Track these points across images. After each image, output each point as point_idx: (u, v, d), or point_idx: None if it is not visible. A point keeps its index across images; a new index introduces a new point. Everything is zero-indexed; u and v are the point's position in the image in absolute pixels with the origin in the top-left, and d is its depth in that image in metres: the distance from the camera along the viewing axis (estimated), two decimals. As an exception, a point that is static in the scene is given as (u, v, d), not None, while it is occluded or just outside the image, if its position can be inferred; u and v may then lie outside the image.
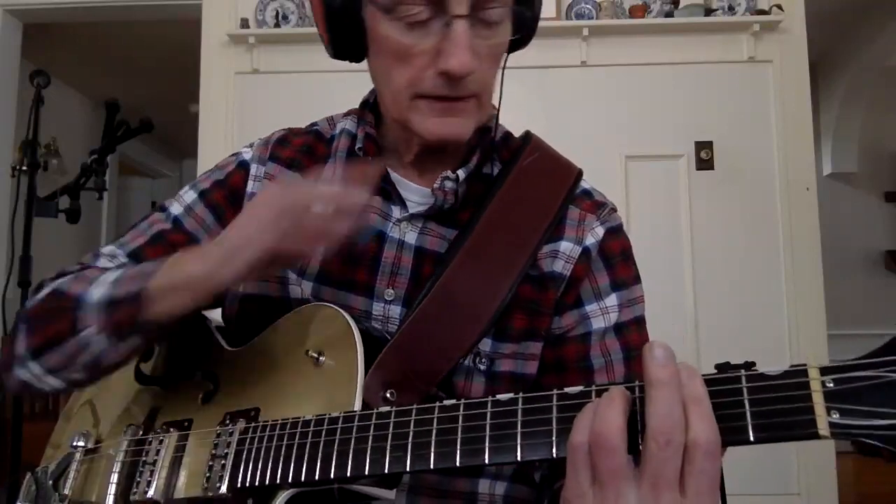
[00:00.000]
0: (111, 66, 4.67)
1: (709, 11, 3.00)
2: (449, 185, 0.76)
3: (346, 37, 0.74)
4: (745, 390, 0.46)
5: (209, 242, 0.68)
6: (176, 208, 0.84)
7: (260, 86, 3.09)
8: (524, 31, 0.75)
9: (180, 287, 0.66)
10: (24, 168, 2.54)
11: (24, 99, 3.05)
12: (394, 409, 0.59)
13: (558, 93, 3.02)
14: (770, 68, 2.99)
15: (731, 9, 3.02)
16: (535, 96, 3.01)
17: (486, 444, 0.53)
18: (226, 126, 3.06)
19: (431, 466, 0.55)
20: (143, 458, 0.75)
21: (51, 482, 0.81)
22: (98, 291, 0.69)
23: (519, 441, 0.52)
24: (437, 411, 0.57)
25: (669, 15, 3.00)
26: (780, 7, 2.95)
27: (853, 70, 4.56)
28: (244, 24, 3.07)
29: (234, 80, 3.09)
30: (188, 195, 0.85)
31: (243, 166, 0.84)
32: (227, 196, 0.83)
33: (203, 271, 0.65)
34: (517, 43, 0.77)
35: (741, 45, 2.99)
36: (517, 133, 0.87)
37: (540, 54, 3.01)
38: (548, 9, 3.01)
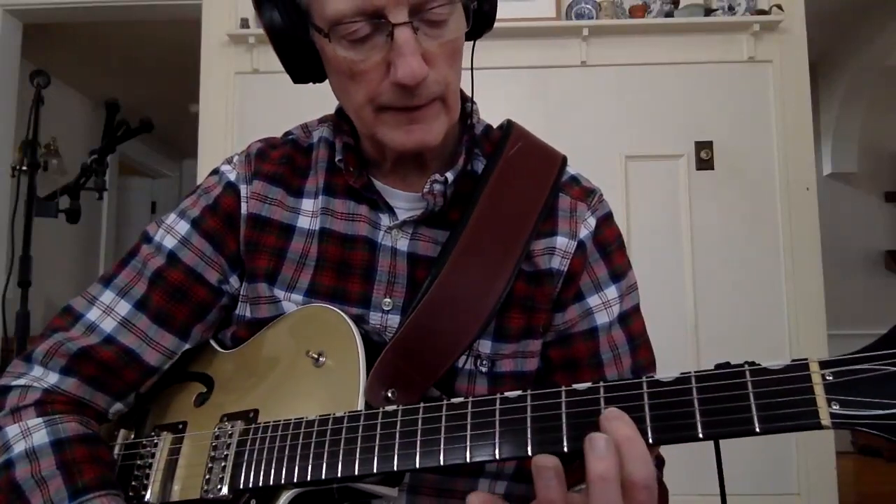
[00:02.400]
0: (111, 66, 4.67)
1: (709, 11, 3.00)
2: (438, 188, 0.76)
3: (300, 62, 0.74)
4: (749, 384, 0.48)
5: None
6: (168, 241, 0.79)
7: (260, 86, 3.08)
8: (480, 19, 0.74)
9: None
10: (24, 168, 2.54)
11: (24, 99, 3.04)
12: (400, 407, 0.59)
13: (558, 93, 3.02)
14: (770, 68, 2.99)
15: (731, 9, 3.01)
16: (535, 96, 3.01)
17: (497, 439, 0.54)
18: (226, 126, 3.06)
19: (441, 463, 0.55)
20: (137, 462, 0.75)
21: None
22: None
23: (529, 437, 0.53)
24: (445, 409, 0.57)
25: (669, 15, 3.00)
26: (780, 7, 2.95)
27: (853, 70, 4.55)
28: (244, 24, 3.07)
29: (234, 80, 3.09)
30: (180, 225, 0.80)
31: (232, 188, 0.81)
32: (222, 222, 0.79)
33: None
34: (478, 31, 0.76)
35: (741, 45, 2.99)
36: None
37: (540, 54, 3.01)
38: (548, 9, 3.01)
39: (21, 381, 0.73)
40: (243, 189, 0.80)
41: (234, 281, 0.80)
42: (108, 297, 0.77)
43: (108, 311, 0.76)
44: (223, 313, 0.81)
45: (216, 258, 0.79)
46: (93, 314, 0.76)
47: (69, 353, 0.74)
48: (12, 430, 0.70)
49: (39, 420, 0.70)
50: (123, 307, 0.76)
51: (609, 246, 0.80)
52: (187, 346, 0.79)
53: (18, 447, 0.68)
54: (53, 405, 0.72)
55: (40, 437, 0.69)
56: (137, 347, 0.75)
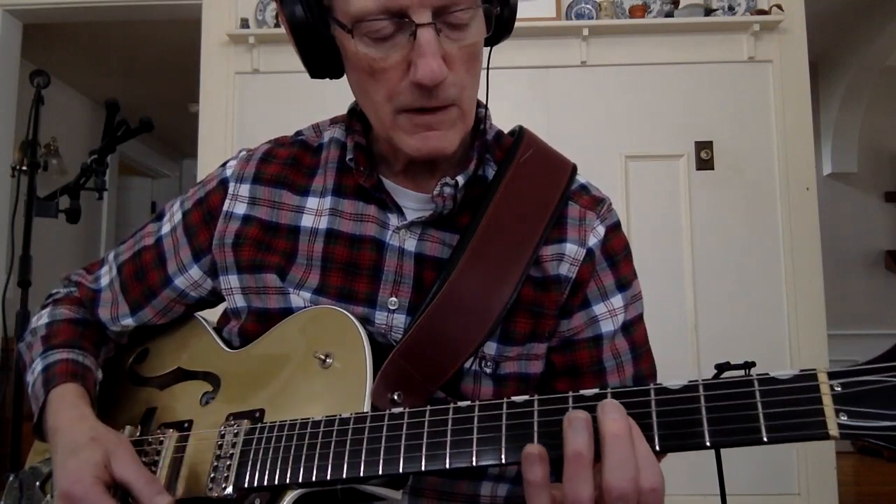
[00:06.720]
0: (111, 66, 4.67)
1: (709, 11, 3.00)
2: (448, 191, 0.76)
3: (319, 56, 0.74)
4: (757, 393, 0.49)
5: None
6: (165, 227, 0.87)
7: (260, 86, 3.09)
8: (499, 25, 0.75)
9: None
10: (24, 168, 2.54)
11: (24, 99, 3.04)
12: (407, 410, 0.59)
13: (558, 93, 3.03)
14: (770, 68, 2.99)
15: (731, 9, 3.02)
16: (535, 96, 3.01)
17: (503, 443, 0.54)
18: (226, 126, 3.06)
19: (447, 466, 0.55)
20: (143, 459, 0.75)
21: (38, 484, 0.80)
22: (29, 380, 0.83)
23: (536, 441, 0.53)
24: (451, 412, 0.57)
25: (669, 15, 3.00)
26: (780, 7, 2.95)
27: (853, 70, 4.55)
28: (244, 24, 3.07)
29: (234, 80, 3.09)
30: (177, 214, 0.87)
31: (223, 184, 0.84)
32: (203, 216, 0.84)
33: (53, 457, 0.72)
34: (497, 36, 0.77)
35: (741, 45, 2.99)
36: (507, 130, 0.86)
37: (540, 54, 3.01)
38: (548, 9, 3.01)
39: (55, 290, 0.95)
40: (231, 186, 0.83)
41: (193, 272, 0.85)
42: (110, 258, 0.92)
43: (108, 272, 0.90)
44: (172, 305, 0.87)
45: (183, 250, 0.85)
46: (102, 270, 0.92)
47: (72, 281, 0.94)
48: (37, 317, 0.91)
49: (48, 309, 0.90)
50: (113, 270, 0.89)
51: (617, 255, 0.80)
52: (131, 321, 0.88)
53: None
54: (60, 302, 0.92)
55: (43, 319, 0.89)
56: (104, 303, 0.89)
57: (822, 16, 3.79)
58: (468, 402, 0.58)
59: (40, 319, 0.88)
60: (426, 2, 0.65)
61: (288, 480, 0.62)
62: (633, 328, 0.81)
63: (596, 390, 0.54)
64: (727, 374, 0.51)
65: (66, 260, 4.75)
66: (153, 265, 0.86)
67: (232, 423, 0.71)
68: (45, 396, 0.78)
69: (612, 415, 0.51)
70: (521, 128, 0.85)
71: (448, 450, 0.56)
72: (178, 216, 0.87)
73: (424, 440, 0.57)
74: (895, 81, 4.82)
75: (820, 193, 3.00)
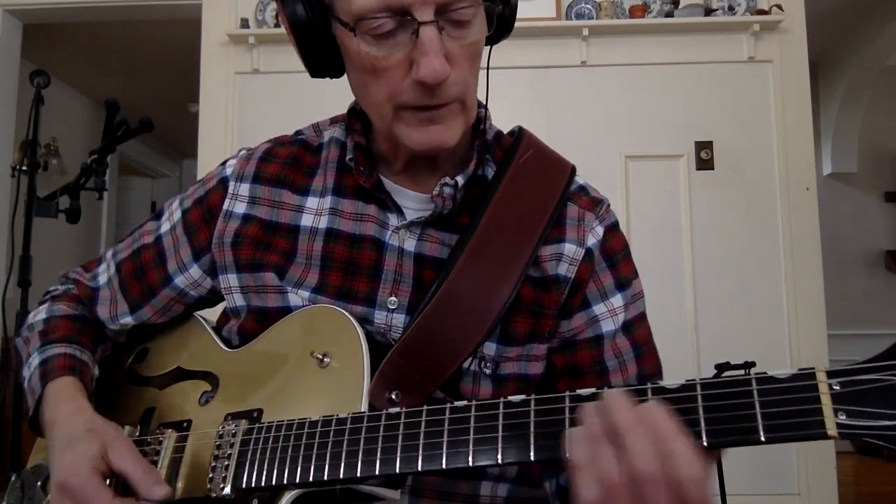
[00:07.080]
0: (111, 66, 4.67)
1: (709, 11, 3.00)
2: (448, 191, 0.76)
3: (319, 56, 0.74)
4: (755, 392, 0.48)
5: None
6: (165, 226, 0.88)
7: (260, 86, 3.08)
8: (500, 24, 0.75)
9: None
10: (24, 168, 2.54)
11: (24, 99, 3.05)
12: (404, 410, 0.59)
13: (558, 93, 3.02)
14: (770, 68, 2.99)
15: (731, 9, 3.02)
16: (535, 96, 3.01)
17: (499, 444, 0.54)
18: (226, 126, 3.06)
19: (444, 466, 0.55)
20: (142, 459, 0.75)
21: (39, 483, 0.80)
22: (26, 374, 0.83)
23: (532, 441, 0.53)
24: (448, 412, 0.57)
25: (669, 15, 3.00)
26: (780, 7, 2.95)
27: (853, 70, 4.55)
28: (244, 24, 3.07)
29: (234, 80, 3.09)
30: (176, 212, 0.87)
31: (223, 183, 0.84)
32: (203, 215, 0.84)
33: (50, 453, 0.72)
34: (497, 35, 0.77)
35: (741, 45, 2.99)
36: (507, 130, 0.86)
37: (540, 54, 3.01)
38: (548, 9, 3.01)
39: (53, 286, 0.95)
40: (231, 185, 0.83)
41: (193, 272, 0.85)
42: (108, 256, 0.92)
43: (107, 270, 0.90)
44: (172, 304, 0.87)
45: (183, 249, 0.85)
46: (100, 268, 0.92)
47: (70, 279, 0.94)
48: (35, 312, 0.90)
49: (46, 305, 0.90)
50: (112, 268, 0.90)
51: (616, 255, 0.80)
52: (130, 320, 0.88)
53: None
54: (59, 298, 0.91)
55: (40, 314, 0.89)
56: (103, 301, 0.89)
57: (822, 16, 3.79)
58: (465, 402, 0.58)
59: (38, 315, 0.88)
60: None
61: (286, 481, 0.62)
62: (635, 327, 0.81)
63: (592, 390, 0.54)
64: (727, 373, 0.51)
65: (66, 260, 4.75)
66: (153, 264, 0.86)
67: (230, 422, 0.71)
68: (41, 390, 0.78)
69: (590, 418, 0.51)
70: (520, 128, 0.85)
71: (444, 450, 0.56)
72: (177, 215, 0.86)
73: (421, 440, 0.57)
74: (895, 81, 4.82)
75: (820, 193, 2.99)
